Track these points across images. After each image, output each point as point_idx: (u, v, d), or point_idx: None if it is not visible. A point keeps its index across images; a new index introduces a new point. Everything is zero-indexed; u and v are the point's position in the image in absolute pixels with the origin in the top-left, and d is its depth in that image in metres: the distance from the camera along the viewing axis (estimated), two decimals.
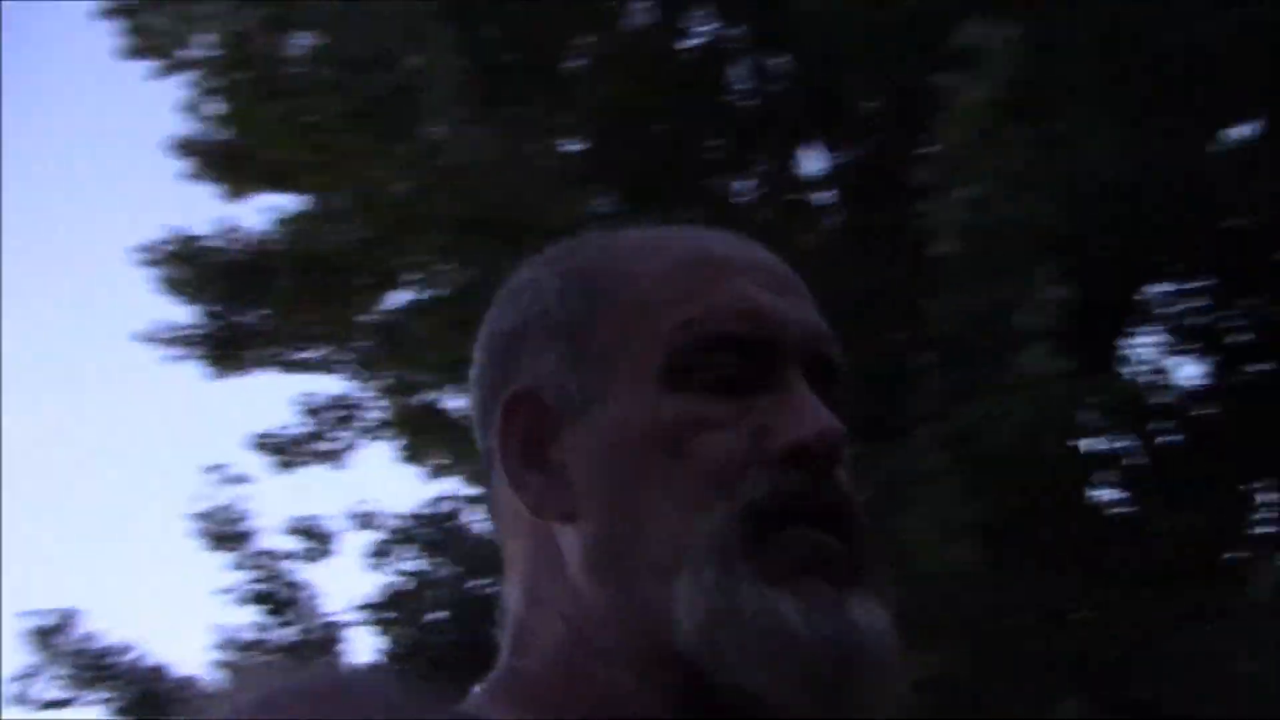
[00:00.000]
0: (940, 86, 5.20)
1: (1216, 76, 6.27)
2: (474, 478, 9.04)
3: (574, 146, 8.51)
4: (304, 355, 8.64)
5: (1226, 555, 8.31)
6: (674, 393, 0.76)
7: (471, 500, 8.91)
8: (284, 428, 8.81)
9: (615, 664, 0.75)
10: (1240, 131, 6.90)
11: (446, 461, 8.99)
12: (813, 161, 8.54)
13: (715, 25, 9.29)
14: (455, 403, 8.45)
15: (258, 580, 8.54)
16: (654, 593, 0.73)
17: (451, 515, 8.94)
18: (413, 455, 9.08)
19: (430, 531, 8.74)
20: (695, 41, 9.88)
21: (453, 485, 9.15)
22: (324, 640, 8.53)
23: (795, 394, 0.76)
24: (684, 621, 0.72)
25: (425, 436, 8.89)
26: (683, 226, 0.88)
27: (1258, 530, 8.38)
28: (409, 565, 8.79)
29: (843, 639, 0.71)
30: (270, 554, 8.68)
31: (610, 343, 0.79)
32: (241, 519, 8.55)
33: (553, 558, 0.78)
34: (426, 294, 7.83)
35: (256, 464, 8.78)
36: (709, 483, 0.74)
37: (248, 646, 8.47)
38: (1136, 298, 7.99)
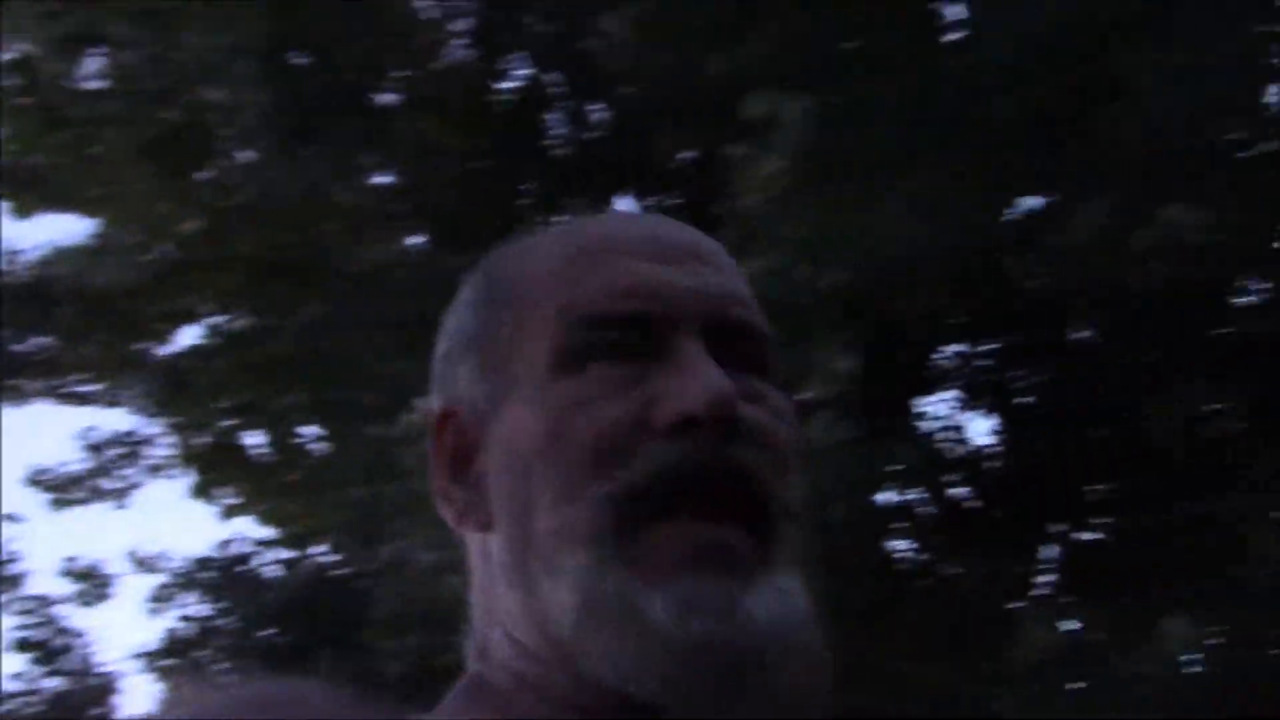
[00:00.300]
0: (734, 155, 5.26)
1: (1007, 150, 6.50)
2: (266, 518, 8.77)
3: (384, 180, 8.36)
4: (86, 388, 8.25)
5: (1010, 608, 8.60)
6: (562, 379, 0.74)
7: (264, 544, 8.63)
8: (62, 464, 8.40)
9: (545, 666, 0.73)
10: (1028, 203, 7.19)
11: (239, 500, 8.69)
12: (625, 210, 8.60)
13: (532, 70, 9.27)
14: (251, 439, 8.19)
15: (27, 626, 8.11)
16: (546, 590, 0.72)
17: (241, 559, 8.65)
18: (203, 493, 8.75)
19: (217, 576, 8.42)
20: (513, 84, 9.89)
21: (245, 526, 8.86)
22: (97, 691, 8.13)
23: (687, 362, 0.73)
24: (561, 616, 0.70)
25: (217, 473, 8.58)
26: (594, 214, 0.88)
27: (1039, 583, 8.71)
28: (193, 611, 8.45)
29: (727, 640, 0.67)
30: (42, 599, 8.26)
31: (508, 346, 0.78)
32: (11, 560, 8.12)
33: (490, 569, 0.77)
34: (218, 334, 7.55)
35: (31, 501, 8.36)
36: (587, 465, 0.72)
37: (9, 697, 8.04)
38: (932, 358, 8.23)
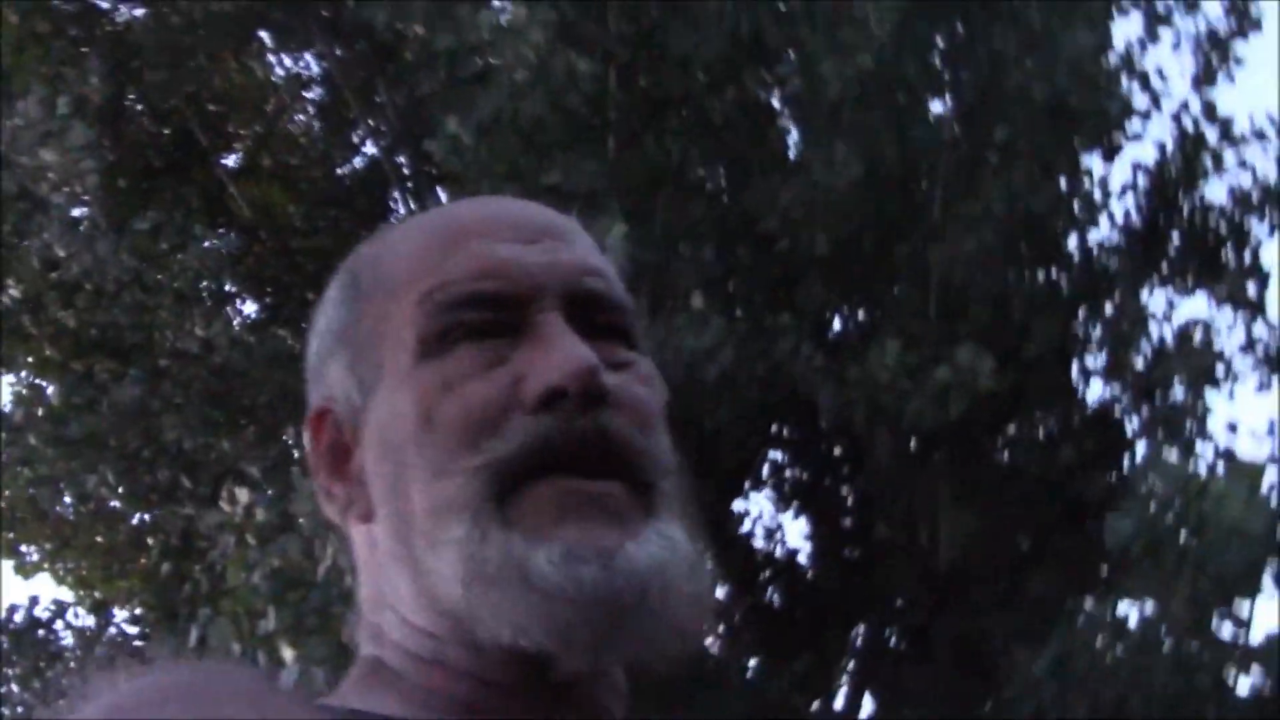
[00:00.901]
0: None
1: (820, 280, 6.81)
2: (67, 579, 8.45)
3: (213, 245, 8.21)
4: None
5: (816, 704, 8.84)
6: (428, 364, 0.75)
7: (62, 608, 8.33)
8: None
9: (439, 642, 0.73)
10: (838, 325, 7.53)
11: (40, 558, 8.40)
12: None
13: (379, 150, 9.31)
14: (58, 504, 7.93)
15: None
16: (431, 566, 0.72)
17: (38, 624, 8.32)
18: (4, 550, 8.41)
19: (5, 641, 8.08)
20: (358, 161, 9.89)
21: (46, 588, 8.50)
22: None
23: (549, 337, 0.74)
24: (448, 588, 0.71)
25: (20, 532, 8.28)
26: (452, 202, 0.87)
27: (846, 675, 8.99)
28: None
29: (610, 583, 0.68)
30: None
31: (373, 337, 0.78)
32: None
33: (375, 556, 0.78)
34: (25, 408, 7.31)
35: None
36: (458, 444, 0.72)
37: None
38: (750, 465, 8.49)
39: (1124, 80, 7.36)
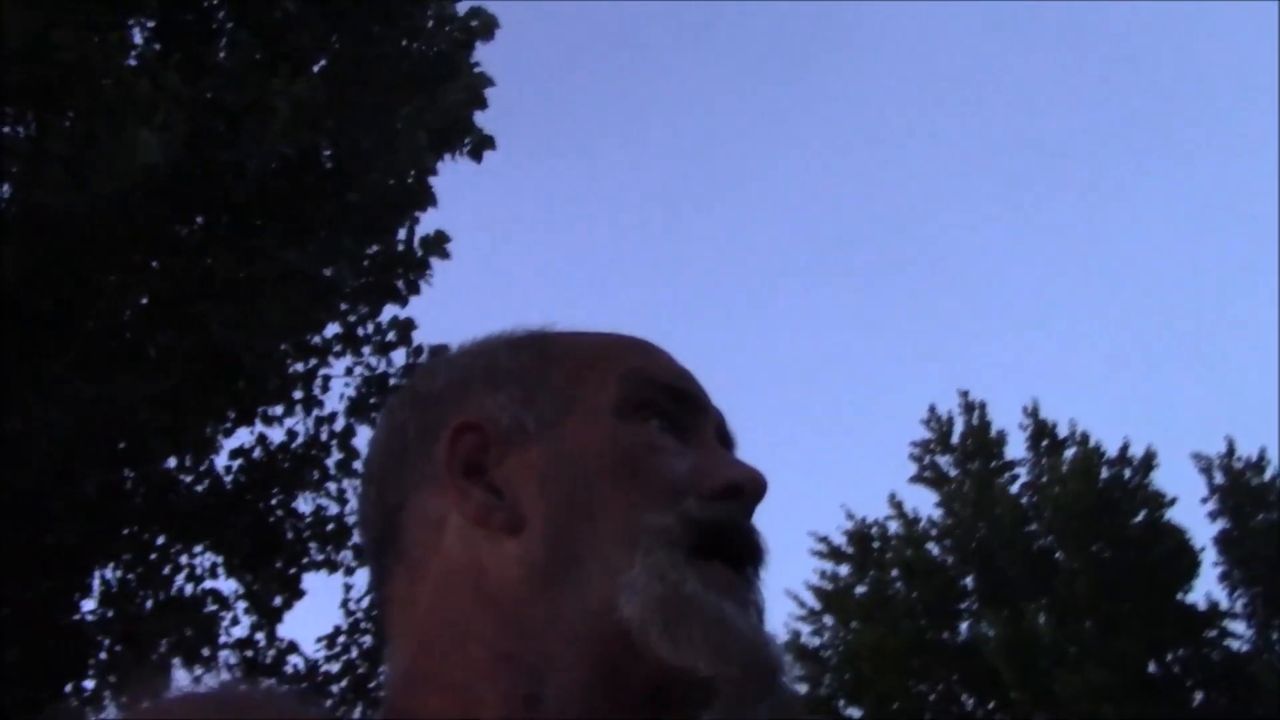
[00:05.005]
0: None
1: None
2: None
3: None
4: None
5: None
6: (628, 423, 0.86)
7: None
8: None
9: (540, 677, 0.78)
10: None
11: None
12: None
13: None
14: None
15: None
16: (599, 581, 0.80)
17: None
18: None
19: None
20: None
21: None
22: None
23: (715, 448, 0.89)
24: (630, 601, 0.78)
25: None
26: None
27: None
28: None
29: (770, 645, 0.81)
30: None
31: (564, 386, 0.88)
32: None
33: (478, 581, 0.82)
34: None
35: None
36: (661, 492, 0.83)
37: None
38: None
39: None
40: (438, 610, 0.83)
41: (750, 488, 0.85)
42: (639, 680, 0.77)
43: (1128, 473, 19.75)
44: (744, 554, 0.84)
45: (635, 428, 0.86)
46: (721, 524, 0.83)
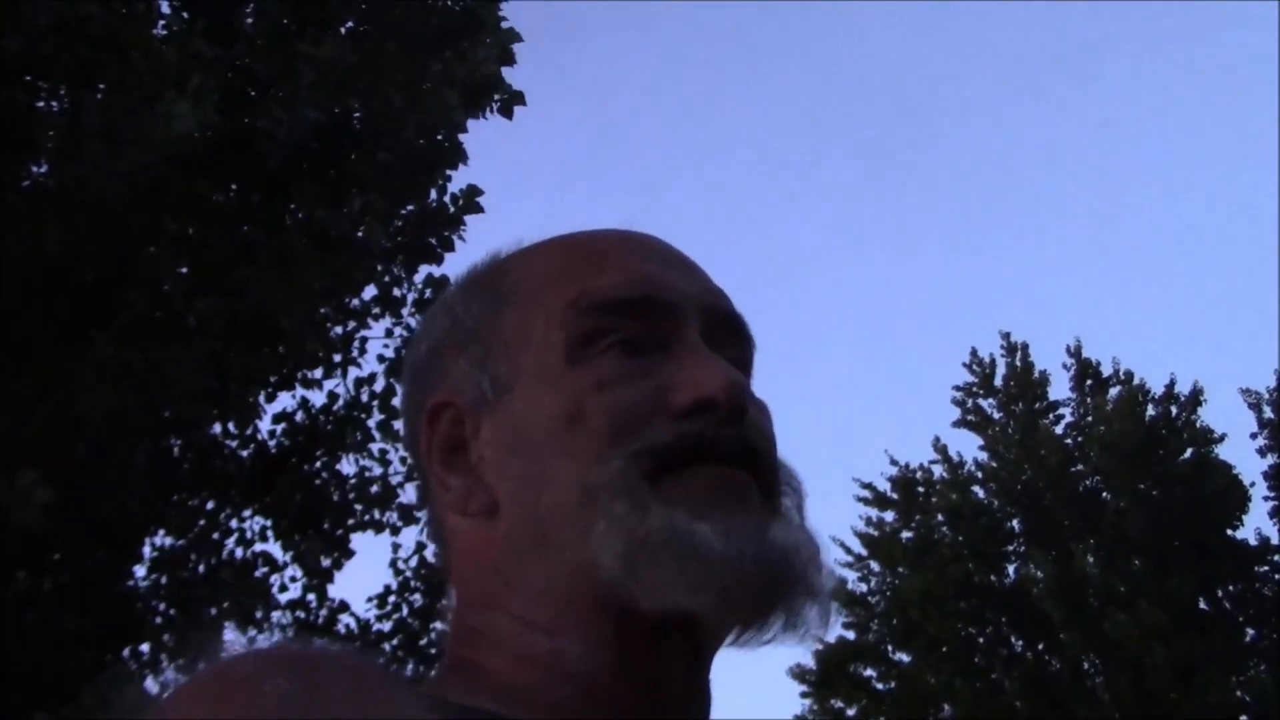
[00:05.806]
0: None
1: None
2: None
3: None
4: None
5: None
6: (576, 367, 0.79)
7: None
8: None
9: (558, 636, 0.76)
10: None
11: None
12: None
13: None
14: None
15: None
16: (573, 548, 0.76)
17: None
18: None
19: None
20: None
21: None
22: None
23: (695, 352, 0.80)
24: (604, 559, 0.74)
25: None
26: (580, 230, 0.92)
27: None
28: None
29: (767, 554, 0.74)
30: None
31: (513, 337, 0.82)
32: None
33: (481, 559, 0.80)
34: None
35: None
36: (609, 434, 0.77)
37: None
38: None
39: None
40: (464, 582, 0.83)
41: (723, 398, 0.77)
42: (640, 630, 0.75)
43: (1174, 410, 19.57)
44: (731, 459, 0.78)
45: (585, 369, 0.79)
46: (690, 444, 0.77)
